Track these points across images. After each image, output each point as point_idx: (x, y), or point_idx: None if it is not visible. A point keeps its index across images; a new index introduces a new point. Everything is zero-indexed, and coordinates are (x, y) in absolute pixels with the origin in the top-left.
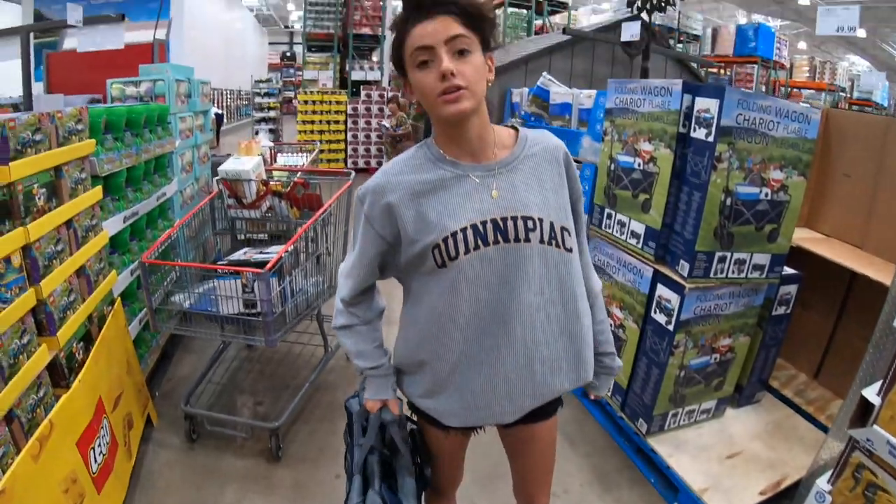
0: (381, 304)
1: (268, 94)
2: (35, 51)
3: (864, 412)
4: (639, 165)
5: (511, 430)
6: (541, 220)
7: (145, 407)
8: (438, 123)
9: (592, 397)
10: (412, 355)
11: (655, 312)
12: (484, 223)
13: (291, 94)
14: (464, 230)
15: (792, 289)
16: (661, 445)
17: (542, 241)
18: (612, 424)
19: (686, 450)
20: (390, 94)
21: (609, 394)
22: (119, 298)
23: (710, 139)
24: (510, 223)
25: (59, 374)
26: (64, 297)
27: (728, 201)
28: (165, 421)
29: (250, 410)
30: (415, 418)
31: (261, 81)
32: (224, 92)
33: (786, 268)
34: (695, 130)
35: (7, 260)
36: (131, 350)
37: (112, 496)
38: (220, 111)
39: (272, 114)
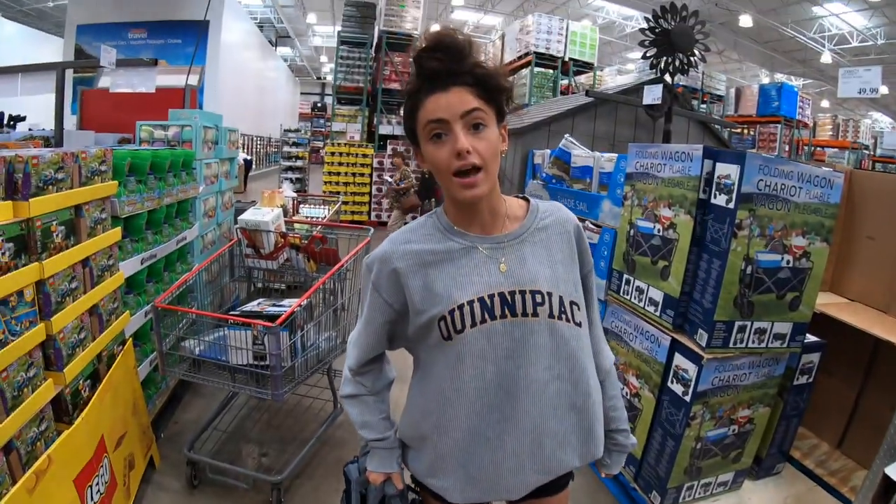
0: (391, 375)
1: (296, 144)
2: (73, 85)
3: (886, 490)
4: (658, 231)
5: None
6: (549, 294)
7: (148, 448)
8: (450, 198)
9: (604, 475)
10: (415, 429)
11: (672, 382)
12: (491, 296)
13: (320, 143)
14: (470, 303)
15: (814, 357)
16: None
17: (550, 316)
18: (625, 496)
19: None
20: (393, 149)
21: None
22: (130, 339)
23: (731, 206)
24: (518, 297)
25: (64, 409)
26: (74, 334)
27: (749, 269)
28: (168, 464)
29: (255, 461)
30: (418, 489)
31: (290, 131)
32: (254, 138)
33: (808, 335)
34: (715, 197)
35: (20, 293)
36: (138, 391)
37: None
38: (248, 157)
39: (299, 163)
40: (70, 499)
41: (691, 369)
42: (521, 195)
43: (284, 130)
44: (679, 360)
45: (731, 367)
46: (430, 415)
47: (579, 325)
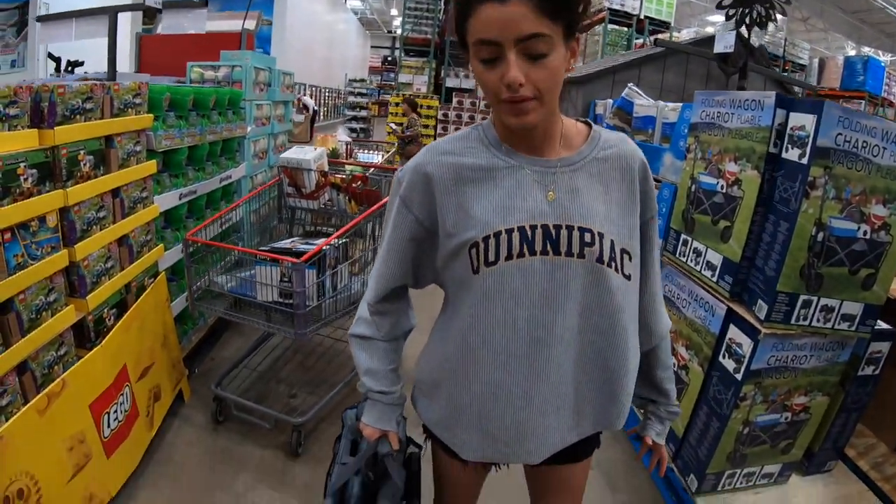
0: (412, 322)
1: (361, 94)
2: (138, 34)
3: None
4: (722, 188)
5: (538, 470)
6: (601, 235)
7: (178, 382)
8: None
9: (649, 442)
10: (430, 373)
11: (724, 357)
12: (533, 227)
13: (388, 97)
14: (509, 231)
15: (884, 346)
16: None
17: (599, 260)
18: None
19: None
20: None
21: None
22: (163, 272)
23: (804, 161)
24: (564, 233)
25: (86, 336)
26: (100, 262)
27: (820, 236)
28: (198, 399)
29: (282, 401)
30: (416, 440)
31: (355, 80)
32: (322, 90)
33: (879, 321)
34: (787, 150)
35: (42, 219)
36: (170, 324)
37: (122, 462)
38: (316, 107)
39: (364, 113)
40: (85, 423)
41: (746, 344)
42: (583, 119)
43: (350, 80)
44: (734, 332)
45: (791, 346)
46: (449, 361)
47: (628, 277)
